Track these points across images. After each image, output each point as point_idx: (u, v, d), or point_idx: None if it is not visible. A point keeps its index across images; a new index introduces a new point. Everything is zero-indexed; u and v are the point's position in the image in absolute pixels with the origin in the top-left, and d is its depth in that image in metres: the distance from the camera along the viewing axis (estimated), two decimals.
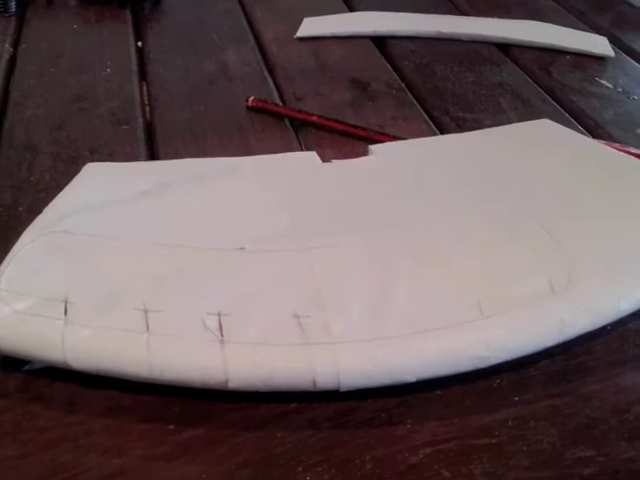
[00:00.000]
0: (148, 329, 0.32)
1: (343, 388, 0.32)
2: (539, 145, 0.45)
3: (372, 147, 0.46)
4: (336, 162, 0.44)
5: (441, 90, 0.61)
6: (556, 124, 0.48)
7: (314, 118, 0.54)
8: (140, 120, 0.56)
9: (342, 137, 0.53)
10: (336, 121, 0.54)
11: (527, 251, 0.36)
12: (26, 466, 0.30)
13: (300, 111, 0.55)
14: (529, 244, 0.36)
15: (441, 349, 0.32)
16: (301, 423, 0.32)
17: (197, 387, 0.32)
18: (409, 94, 0.60)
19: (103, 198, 0.39)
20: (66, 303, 0.33)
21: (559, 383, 0.35)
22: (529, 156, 0.44)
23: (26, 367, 0.34)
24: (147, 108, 0.58)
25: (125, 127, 0.54)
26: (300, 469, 0.30)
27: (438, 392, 0.34)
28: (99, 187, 0.41)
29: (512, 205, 0.39)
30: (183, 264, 0.35)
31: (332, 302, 0.33)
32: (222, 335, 0.32)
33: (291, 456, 0.31)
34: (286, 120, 0.56)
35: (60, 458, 0.31)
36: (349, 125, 0.53)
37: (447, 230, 0.37)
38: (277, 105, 0.57)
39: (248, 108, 0.57)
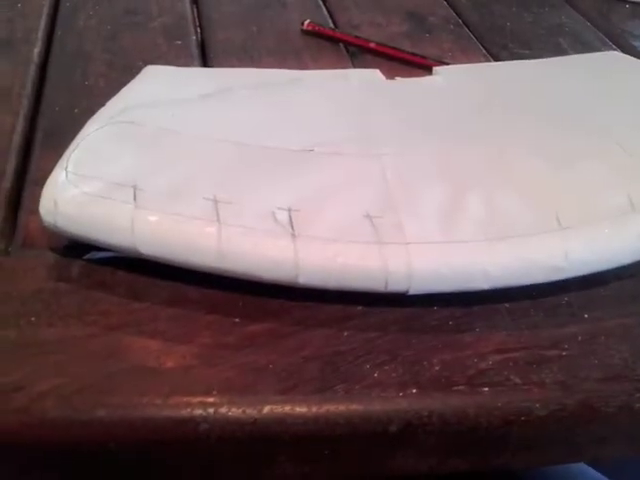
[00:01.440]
0: (219, 219, 0.31)
1: (413, 291, 0.31)
2: (610, 72, 0.44)
3: (436, 68, 0.45)
4: (400, 79, 0.43)
5: (499, 27, 0.60)
6: (626, 56, 0.46)
7: (372, 45, 0.53)
8: (193, 38, 0.55)
9: (400, 65, 0.52)
10: (395, 48, 0.53)
11: (605, 167, 0.35)
12: (91, 346, 0.30)
13: (358, 37, 0.54)
14: (607, 161, 0.35)
15: (518, 256, 0.31)
16: (367, 325, 0.32)
17: (266, 281, 0.31)
18: (466, 29, 0.59)
19: (166, 96, 0.39)
20: (135, 189, 0.32)
21: (629, 304, 0.34)
22: (600, 81, 0.42)
23: (88, 255, 0.34)
24: (198, 29, 0.57)
25: (178, 43, 0.53)
26: (368, 366, 0.30)
27: (506, 305, 0.33)
28: (161, 86, 0.40)
29: (586, 126, 0.38)
30: (252, 161, 0.34)
31: (405, 204, 0.32)
32: (293, 229, 0.31)
33: (359, 354, 0.30)
34: (341, 46, 0.55)
35: (125, 341, 0.30)
36: (408, 53, 0.52)
37: (521, 146, 0.36)
38: (333, 29, 0.56)
39: (303, 32, 0.56)
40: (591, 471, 0.50)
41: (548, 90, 0.42)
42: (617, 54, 0.47)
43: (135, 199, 0.32)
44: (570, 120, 0.38)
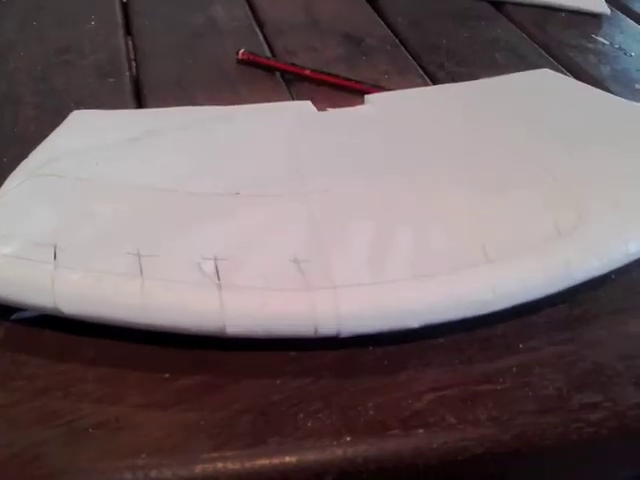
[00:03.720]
0: (142, 273, 0.31)
1: (344, 334, 0.31)
2: (541, 92, 0.44)
3: (368, 97, 0.45)
4: (332, 110, 0.43)
5: (436, 46, 0.60)
6: (557, 73, 0.47)
7: (307, 72, 0.53)
8: (127, 73, 0.54)
9: (336, 91, 0.52)
10: (330, 74, 0.53)
11: (531, 194, 0.35)
12: (16, 414, 0.29)
13: (293, 64, 0.54)
14: (533, 187, 0.35)
15: (446, 293, 0.31)
16: (301, 371, 0.31)
17: (193, 334, 0.31)
18: (403, 49, 0.59)
19: (91, 143, 0.38)
20: (55, 247, 0.31)
21: (563, 330, 0.34)
22: (530, 103, 0.43)
23: (14, 316, 0.33)
24: (133, 63, 0.57)
25: (111, 80, 0.53)
26: (301, 416, 0.30)
27: (440, 340, 0.33)
28: (87, 133, 0.39)
29: (514, 150, 0.38)
30: (176, 209, 0.34)
31: (332, 246, 0.32)
32: (219, 279, 0.31)
33: (292, 403, 0.30)
34: (278, 74, 0.54)
35: (52, 406, 0.30)
36: (343, 78, 0.52)
37: (448, 175, 0.36)
38: (269, 58, 0.55)
39: (238, 61, 0.55)
40: None
41: (478, 116, 0.42)
42: (548, 72, 0.48)
43: (55, 258, 0.31)
44: (500, 146, 0.38)
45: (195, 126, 0.40)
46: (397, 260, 0.32)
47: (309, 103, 0.44)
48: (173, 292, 0.30)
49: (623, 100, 0.44)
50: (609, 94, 0.46)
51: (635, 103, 0.44)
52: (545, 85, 0.45)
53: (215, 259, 0.31)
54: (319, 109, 0.44)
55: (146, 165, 0.37)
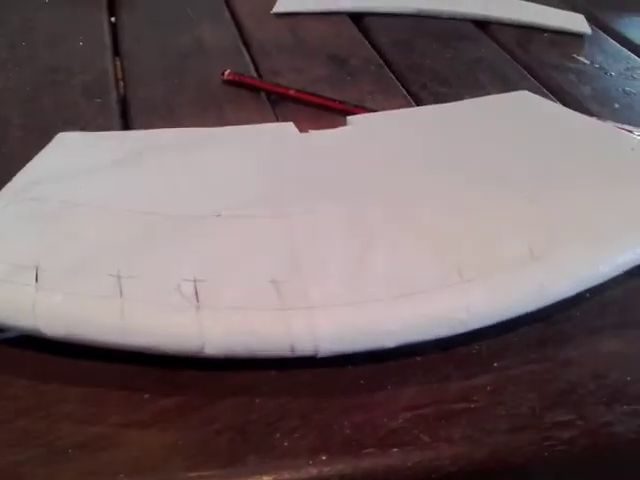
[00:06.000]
0: (122, 295, 0.31)
1: (321, 353, 0.31)
2: (518, 115, 0.45)
3: (350, 118, 0.45)
4: (314, 132, 0.44)
5: (419, 66, 0.61)
6: (535, 95, 0.48)
7: (291, 92, 0.54)
8: (114, 94, 0.55)
9: (320, 111, 0.53)
10: (314, 95, 0.53)
11: (505, 216, 0.35)
12: None
13: (277, 85, 0.55)
14: (507, 210, 0.36)
15: (421, 313, 0.31)
16: (280, 389, 0.32)
17: (172, 354, 0.31)
18: (387, 70, 0.60)
19: (75, 166, 0.39)
20: (37, 269, 0.32)
21: (538, 349, 0.34)
22: (508, 125, 0.43)
23: None
24: (121, 83, 0.57)
25: (98, 100, 0.53)
26: (278, 435, 0.30)
27: (417, 358, 0.33)
28: (71, 155, 0.40)
29: (490, 173, 0.39)
30: (158, 231, 0.34)
31: (310, 267, 0.33)
32: (198, 301, 0.31)
33: (269, 422, 0.30)
34: (262, 94, 0.55)
35: (33, 426, 0.30)
36: (327, 99, 0.53)
37: (425, 197, 0.37)
38: (253, 78, 0.56)
39: (224, 82, 0.56)
40: None
41: (455, 138, 0.42)
42: (527, 94, 0.48)
43: (37, 280, 0.31)
44: (476, 169, 0.39)
45: (176, 148, 0.41)
46: (373, 281, 0.32)
47: (291, 125, 0.45)
48: (152, 314, 0.31)
49: (600, 122, 0.45)
50: (586, 117, 0.47)
51: (610, 124, 0.45)
52: (523, 107, 0.46)
53: (195, 280, 0.32)
54: (302, 130, 0.45)
55: (128, 188, 0.37)
